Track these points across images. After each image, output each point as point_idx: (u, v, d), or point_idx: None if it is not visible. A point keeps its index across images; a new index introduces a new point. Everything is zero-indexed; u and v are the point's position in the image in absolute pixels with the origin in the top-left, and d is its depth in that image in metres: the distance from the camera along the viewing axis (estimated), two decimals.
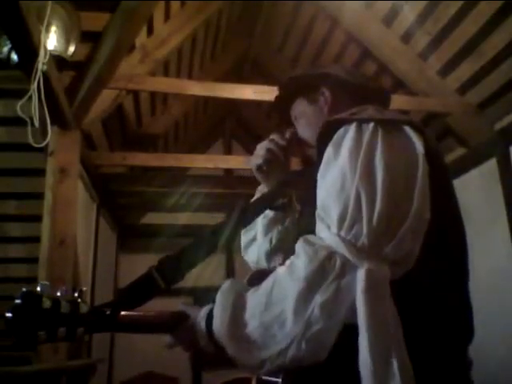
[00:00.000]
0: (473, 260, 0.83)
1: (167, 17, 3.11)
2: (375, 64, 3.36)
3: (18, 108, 1.90)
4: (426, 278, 0.75)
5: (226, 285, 0.79)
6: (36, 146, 2.05)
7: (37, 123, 1.94)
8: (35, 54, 1.86)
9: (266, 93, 2.88)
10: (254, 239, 1.15)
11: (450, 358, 0.77)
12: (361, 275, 0.67)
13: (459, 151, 3.38)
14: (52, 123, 2.14)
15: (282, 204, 1.11)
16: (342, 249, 0.69)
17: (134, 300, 0.81)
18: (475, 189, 3.18)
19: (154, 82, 2.98)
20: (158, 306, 0.78)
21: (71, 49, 2.21)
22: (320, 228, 0.75)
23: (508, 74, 2.76)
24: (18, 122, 1.96)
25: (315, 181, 0.81)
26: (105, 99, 2.84)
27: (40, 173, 2.67)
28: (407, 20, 2.93)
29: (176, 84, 3.13)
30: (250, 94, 2.98)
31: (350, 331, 0.68)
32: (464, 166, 3.28)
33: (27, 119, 1.93)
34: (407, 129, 0.80)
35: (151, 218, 5.42)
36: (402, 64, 3.13)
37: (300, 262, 0.72)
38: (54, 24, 2.11)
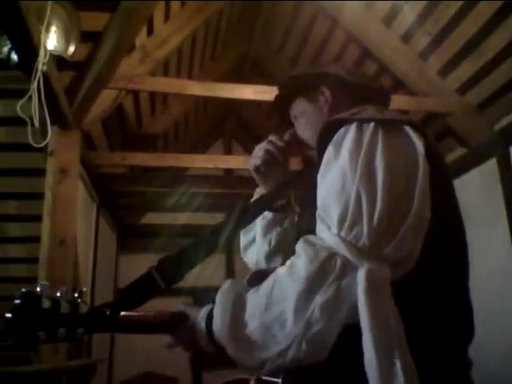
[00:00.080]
0: (473, 260, 0.83)
1: (167, 17, 3.11)
2: (375, 64, 3.36)
3: (18, 108, 1.90)
4: (426, 278, 0.75)
5: (226, 285, 0.79)
6: (36, 145, 2.05)
7: (37, 123, 1.94)
8: (35, 54, 1.86)
9: (266, 93, 2.88)
10: (253, 241, 1.15)
11: (450, 357, 0.77)
12: (361, 276, 0.67)
13: (459, 151, 3.38)
14: (52, 123, 2.14)
15: (280, 205, 1.11)
16: (342, 249, 0.69)
17: (134, 300, 0.81)
18: (475, 189, 3.18)
19: (153, 82, 2.98)
20: (157, 306, 0.78)
21: (71, 49, 2.21)
22: (320, 228, 0.75)
23: (508, 74, 2.76)
24: (17, 122, 1.96)
25: (315, 181, 0.81)
26: (105, 99, 2.84)
27: (40, 173, 2.67)
28: (407, 20, 2.93)
29: (176, 84, 3.13)
30: (250, 94, 2.98)
31: (350, 332, 0.68)
32: (464, 165, 3.28)
33: (27, 119, 1.93)
34: (407, 129, 0.80)
35: (151, 218, 5.42)
36: (402, 64, 3.13)
37: (300, 262, 0.72)
38: (54, 24, 2.11)
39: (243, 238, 1.17)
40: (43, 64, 1.87)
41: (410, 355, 0.65)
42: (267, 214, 1.11)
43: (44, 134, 2.07)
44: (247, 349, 0.72)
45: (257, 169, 1.08)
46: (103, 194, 3.96)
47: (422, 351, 0.71)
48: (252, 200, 1.09)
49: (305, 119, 1.06)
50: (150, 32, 3.03)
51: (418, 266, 0.72)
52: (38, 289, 0.70)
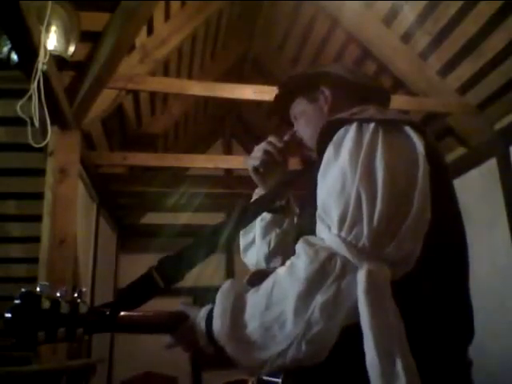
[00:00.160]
0: (473, 260, 0.83)
1: (167, 17, 3.11)
2: (375, 64, 3.36)
3: (18, 108, 1.90)
4: (427, 278, 0.75)
5: (226, 285, 0.79)
6: (36, 146, 2.05)
7: (37, 123, 1.94)
8: (35, 54, 1.86)
9: (265, 93, 2.88)
10: (252, 242, 1.15)
11: (450, 357, 0.77)
12: (361, 276, 0.67)
13: (459, 151, 3.38)
14: (52, 123, 2.14)
15: (279, 206, 1.11)
16: (342, 250, 0.69)
17: (134, 300, 0.81)
18: (475, 189, 3.18)
19: (153, 82, 2.98)
20: (157, 306, 0.78)
21: (71, 49, 2.21)
22: (320, 228, 0.75)
23: (508, 74, 2.76)
24: (18, 122, 1.96)
25: (315, 181, 0.81)
26: (105, 99, 2.84)
27: (40, 173, 2.67)
28: (407, 20, 2.93)
29: (176, 84, 3.13)
30: (250, 93, 2.98)
31: (350, 332, 0.68)
32: (464, 166, 3.28)
33: (27, 119, 1.93)
34: (408, 129, 0.79)
35: (151, 218, 5.42)
36: (402, 64, 3.12)
37: (300, 262, 0.72)
38: (54, 24, 2.11)
39: (243, 240, 1.17)
40: (43, 64, 1.87)
41: (411, 355, 0.65)
42: (266, 216, 1.11)
43: (44, 134, 2.07)
44: (247, 349, 0.72)
45: (255, 169, 1.08)
46: (103, 194, 3.96)
47: (422, 351, 0.71)
48: (252, 200, 1.09)
49: (305, 119, 1.06)
50: (149, 32, 3.03)
51: (418, 266, 0.72)
52: (38, 289, 0.70)
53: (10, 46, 1.98)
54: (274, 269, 0.78)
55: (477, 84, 2.98)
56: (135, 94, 3.42)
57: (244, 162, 1.14)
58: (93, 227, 3.88)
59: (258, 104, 4.62)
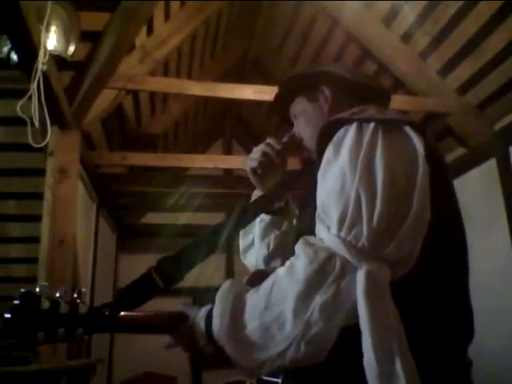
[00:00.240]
0: (473, 260, 0.83)
1: (167, 17, 3.11)
2: (375, 64, 3.36)
3: (18, 108, 1.90)
4: (426, 278, 0.75)
5: (226, 285, 0.79)
6: (36, 146, 2.05)
7: (37, 123, 1.94)
8: (35, 54, 1.86)
9: (265, 93, 2.88)
10: (251, 244, 1.15)
11: (449, 358, 0.77)
12: (361, 276, 0.67)
13: (459, 151, 3.38)
14: (52, 123, 2.14)
15: (278, 208, 1.11)
16: (342, 250, 0.69)
17: (134, 300, 0.81)
18: (475, 189, 3.18)
19: (153, 82, 2.98)
20: (157, 306, 0.78)
21: (71, 49, 2.21)
22: (320, 229, 0.75)
23: (508, 74, 2.76)
24: (17, 121, 1.96)
25: (315, 181, 0.81)
26: (105, 99, 2.84)
27: (40, 173, 2.67)
28: (407, 20, 2.93)
29: (176, 84, 3.13)
30: (250, 93, 2.98)
31: (349, 332, 0.67)
32: (464, 166, 3.28)
33: (27, 119, 1.93)
34: (408, 129, 0.79)
35: (151, 218, 5.42)
36: (402, 64, 3.12)
37: (300, 263, 0.72)
38: (54, 24, 2.11)
39: (242, 241, 1.17)
40: (43, 64, 1.87)
41: (411, 355, 0.65)
42: (265, 217, 1.11)
43: (44, 134, 2.07)
44: (246, 349, 0.72)
45: (253, 171, 1.08)
46: (103, 194, 3.96)
47: (421, 351, 0.71)
48: (251, 200, 1.09)
49: (305, 118, 1.06)
50: (149, 32, 3.03)
51: (418, 266, 0.72)
52: (38, 289, 0.70)
53: (9, 45, 1.98)
54: (274, 269, 0.78)
55: (477, 84, 2.98)
56: (135, 94, 3.42)
57: (243, 162, 1.14)
58: (92, 227, 3.88)
59: (258, 104, 4.62)
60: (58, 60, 2.16)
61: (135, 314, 0.81)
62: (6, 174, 3.09)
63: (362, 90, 1.01)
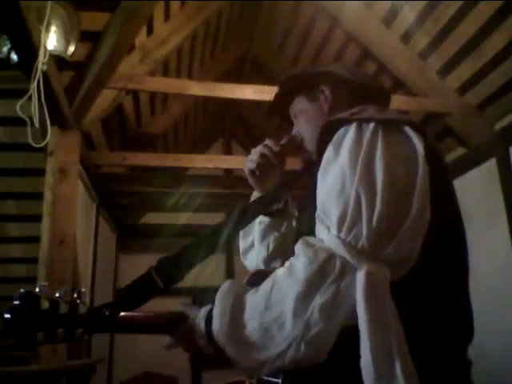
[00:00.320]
0: (473, 260, 0.83)
1: (167, 17, 3.11)
2: (375, 64, 3.36)
3: (18, 108, 1.90)
4: (426, 278, 0.75)
5: (226, 285, 0.79)
6: (36, 146, 2.05)
7: (37, 123, 1.94)
8: (35, 54, 1.86)
9: (265, 93, 2.88)
10: (251, 245, 1.15)
11: (449, 358, 0.77)
12: (360, 277, 0.67)
13: (459, 151, 3.38)
14: (52, 123, 2.14)
15: (277, 210, 1.11)
16: (341, 250, 0.69)
17: (134, 300, 0.81)
18: (475, 189, 3.18)
19: (153, 82, 2.98)
20: (157, 306, 0.78)
21: (71, 49, 2.21)
22: (320, 229, 0.75)
23: (508, 74, 2.76)
24: (17, 122, 1.95)
25: (315, 181, 0.81)
26: (104, 99, 2.84)
27: (40, 173, 2.67)
28: (407, 20, 2.93)
29: (176, 84, 3.13)
30: (250, 93, 2.98)
31: (349, 333, 0.67)
32: (464, 166, 3.28)
33: (27, 119, 1.92)
34: (407, 129, 0.79)
35: (151, 218, 5.42)
36: (402, 64, 3.12)
37: (300, 263, 0.72)
38: (54, 24, 2.11)
39: (242, 243, 1.17)
40: (43, 64, 1.87)
41: (410, 356, 0.65)
42: (264, 219, 1.11)
43: (44, 134, 2.07)
44: (246, 349, 0.72)
45: (252, 172, 1.08)
46: (103, 194, 3.96)
47: (421, 352, 0.71)
48: (251, 201, 1.09)
49: (305, 118, 1.06)
50: (149, 32, 3.03)
51: (418, 266, 0.71)
52: (37, 289, 0.70)
53: (9, 45, 1.98)
54: (274, 269, 0.77)
55: (477, 84, 2.98)
56: (135, 93, 3.42)
57: (242, 163, 1.14)
58: (92, 227, 3.88)
59: (257, 104, 4.62)
60: (58, 60, 2.16)
61: (135, 314, 0.81)
62: (6, 173, 3.09)
63: (362, 90, 1.01)
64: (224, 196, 4.56)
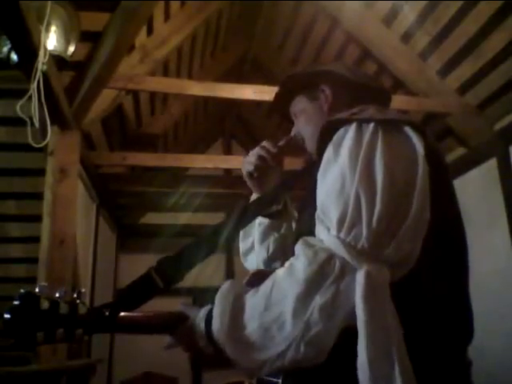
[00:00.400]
0: (473, 260, 0.83)
1: (167, 17, 3.11)
2: (375, 64, 3.36)
3: (18, 108, 1.90)
4: (426, 278, 0.75)
5: (226, 285, 0.79)
6: (36, 146, 2.05)
7: (37, 123, 1.94)
8: (35, 54, 1.86)
9: (265, 93, 2.88)
10: (251, 247, 1.15)
11: (449, 358, 0.77)
12: (360, 277, 0.67)
13: (459, 151, 3.38)
14: (52, 123, 2.14)
15: (276, 211, 1.11)
16: (341, 251, 0.69)
17: (133, 301, 0.81)
18: (475, 189, 3.18)
19: (153, 82, 2.98)
20: (157, 306, 0.78)
21: (71, 49, 2.21)
22: (319, 229, 0.75)
23: (508, 74, 2.76)
24: (17, 122, 1.96)
25: (315, 181, 0.80)
26: (105, 99, 2.84)
27: (40, 173, 2.67)
28: (407, 20, 2.93)
29: (176, 84, 3.13)
30: (250, 93, 2.98)
31: (350, 333, 0.67)
32: (464, 166, 3.28)
33: (27, 119, 1.93)
34: (407, 129, 0.79)
35: (151, 218, 5.42)
36: (402, 64, 3.12)
37: (299, 263, 0.72)
38: (54, 24, 2.11)
39: (242, 244, 1.17)
40: (43, 64, 1.87)
41: (408, 358, 0.65)
42: (264, 221, 1.11)
43: (44, 133, 2.07)
44: (246, 350, 0.72)
45: (250, 175, 1.08)
46: (103, 194, 3.96)
47: (421, 352, 0.71)
48: (251, 200, 1.09)
49: (305, 117, 1.06)
50: (149, 32, 3.03)
51: (418, 266, 0.71)
52: (37, 289, 0.70)
53: (9, 45, 1.98)
54: (274, 270, 0.77)
55: (477, 84, 2.98)
56: (135, 93, 3.42)
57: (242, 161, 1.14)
58: (92, 227, 3.88)
59: (257, 104, 4.62)
60: (58, 60, 2.16)
61: (135, 314, 0.81)
62: (6, 173, 3.09)
63: (362, 90, 1.01)
64: (224, 196, 4.56)
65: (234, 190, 4.28)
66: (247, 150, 5.69)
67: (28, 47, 1.86)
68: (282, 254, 1.07)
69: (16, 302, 0.69)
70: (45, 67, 1.89)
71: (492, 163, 3.09)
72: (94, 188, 3.67)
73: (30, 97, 1.89)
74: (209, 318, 0.77)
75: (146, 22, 2.72)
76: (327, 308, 0.67)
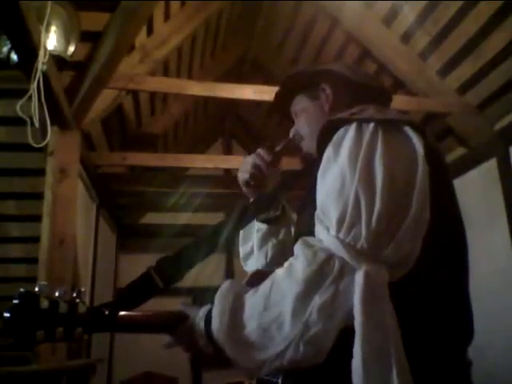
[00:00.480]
0: (472, 260, 0.83)
1: (167, 16, 3.11)
2: (375, 64, 3.36)
3: (18, 108, 1.90)
4: (426, 279, 0.75)
5: (225, 285, 0.79)
6: (36, 146, 2.05)
7: (37, 123, 1.94)
8: (35, 54, 1.86)
9: (265, 93, 2.88)
10: (251, 252, 1.15)
11: (449, 358, 0.77)
12: (359, 278, 0.67)
13: (459, 151, 3.38)
14: (52, 123, 2.14)
15: (275, 217, 1.11)
16: (340, 251, 0.69)
17: (133, 300, 0.81)
18: (475, 189, 3.18)
19: (153, 82, 2.98)
20: (156, 305, 0.78)
21: (71, 49, 2.21)
22: (319, 229, 0.75)
23: (508, 74, 2.76)
24: (17, 121, 1.96)
25: (315, 181, 0.80)
26: (105, 99, 2.84)
27: (40, 173, 2.67)
28: (407, 20, 2.93)
29: (176, 84, 3.13)
30: (250, 93, 2.98)
31: (349, 334, 0.67)
32: (464, 166, 3.28)
33: (27, 119, 1.93)
34: (407, 129, 0.79)
35: (151, 218, 5.42)
36: (402, 64, 3.12)
37: (299, 263, 0.72)
38: (54, 24, 2.11)
39: (242, 249, 1.18)
40: (43, 64, 1.87)
41: (407, 359, 0.65)
42: (262, 227, 1.11)
43: (44, 133, 2.07)
44: (245, 350, 0.72)
45: (246, 183, 1.08)
46: (103, 194, 3.96)
47: (421, 352, 0.71)
48: (251, 200, 1.09)
49: (305, 117, 1.06)
50: (149, 32, 3.03)
51: (417, 267, 0.71)
52: (37, 289, 0.70)
53: (9, 45, 1.98)
54: (273, 270, 0.77)
55: (477, 84, 2.98)
56: (135, 93, 3.42)
57: (241, 161, 1.14)
58: (92, 227, 3.88)
59: (257, 104, 4.62)
60: (58, 60, 2.16)
61: (134, 313, 0.81)
62: (6, 173, 3.09)
63: (363, 89, 1.00)
64: (224, 196, 4.56)
65: (234, 190, 4.25)
66: (247, 150, 5.70)
67: (28, 47, 1.86)
68: (280, 259, 1.07)
69: (16, 301, 0.69)
70: (45, 67, 1.89)
71: (492, 163, 3.09)
72: (93, 188, 3.67)
73: (30, 97, 1.89)
74: (208, 318, 0.77)
75: (145, 22, 2.72)
76: (326, 308, 0.67)
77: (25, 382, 2.06)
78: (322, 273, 0.69)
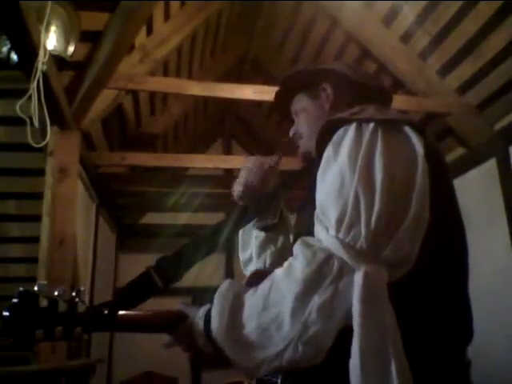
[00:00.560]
0: (472, 260, 0.83)
1: (167, 16, 3.11)
2: (375, 64, 3.36)
3: (18, 108, 1.90)
4: (425, 279, 0.75)
5: (225, 285, 0.79)
6: (36, 146, 2.05)
7: (36, 123, 1.94)
8: (35, 54, 1.86)
9: (265, 93, 2.88)
10: (250, 258, 1.16)
11: (448, 358, 0.76)
12: (358, 278, 0.67)
13: (459, 151, 3.38)
14: (51, 123, 2.14)
15: (272, 224, 1.11)
16: (340, 251, 0.69)
17: (132, 299, 0.81)
18: (475, 189, 3.18)
19: (153, 82, 2.98)
20: (156, 305, 0.78)
21: (71, 49, 2.21)
22: (318, 229, 0.75)
23: (508, 74, 2.76)
24: (17, 121, 1.96)
25: (315, 181, 0.80)
26: (104, 99, 2.84)
27: (40, 173, 2.67)
28: (407, 20, 2.93)
29: (176, 84, 3.13)
30: (250, 93, 2.98)
31: (348, 334, 0.67)
32: (464, 166, 3.28)
33: (27, 119, 1.93)
34: (407, 129, 0.79)
35: (151, 218, 5.42)
36: (402, 64, 3.12)
37: (298, 263, 0.72)
38: (54, 24, 2.11)
39: (242, 255, 1.19)
40: (43, 64, 1.87)
41: (406, 358, 0.65)
42: (260, 234, 1.12)
43: (43, 133, 2.07)
44: (244, 349, 0.72)
45: (240, 198, 1.10)
46: (103, 194, 3.96)
47: (421, 352, 0.71)
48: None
49: (305, 116, 1.05)
50: (149, 32, 3.03)
51: (417, 267, 0.71)
52: (36, 288, 0.71)
53: (9, 45, 1.98)
54: (273, 270, 0.77)
55: (476, 84, 2.98)
56: (135, 93, 3.42)
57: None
58: (92, 227, 3.88)
59: (257, 104, 4.62)
60: (58, 60, 2.16)
61: (134, 312, 0.81)
62: (6, 173, 3.09)
63: (363, 89, 1.00)
64: (224, 196, 4.55)
65: None
66: (247, 150, 5.69)
67: (28, 47, 1.86)
68: (279, 266, 1.08)
69: (15, 300, 0.69)
70: (45, 67, 1.89)
71: (492, 163, 3.09)
72: (93, 188, 3.67)
73: (30, 97, 1.89)
74: (208, 318, 0.77)
75: (145, 22, 2.71)
76: (325, 308, 0.67)
77: (24, 382, 2.06)
78: (321, 273, 0.69)
